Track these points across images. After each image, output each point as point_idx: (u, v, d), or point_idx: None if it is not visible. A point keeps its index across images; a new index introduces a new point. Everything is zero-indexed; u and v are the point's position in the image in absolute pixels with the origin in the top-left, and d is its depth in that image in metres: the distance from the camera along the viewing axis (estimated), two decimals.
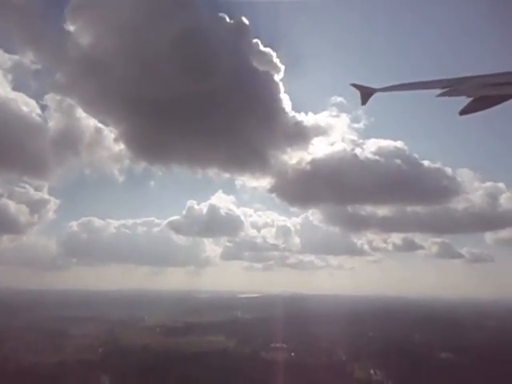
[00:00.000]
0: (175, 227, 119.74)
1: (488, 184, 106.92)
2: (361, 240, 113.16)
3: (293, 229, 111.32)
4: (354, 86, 5.45)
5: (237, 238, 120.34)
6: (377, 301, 57.26)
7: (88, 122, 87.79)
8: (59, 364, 20.18)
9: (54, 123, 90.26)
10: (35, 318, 32.83)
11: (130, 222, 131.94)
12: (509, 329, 34.30)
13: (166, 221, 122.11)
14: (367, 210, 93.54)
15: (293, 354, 25.22)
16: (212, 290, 76.00)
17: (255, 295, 74.92)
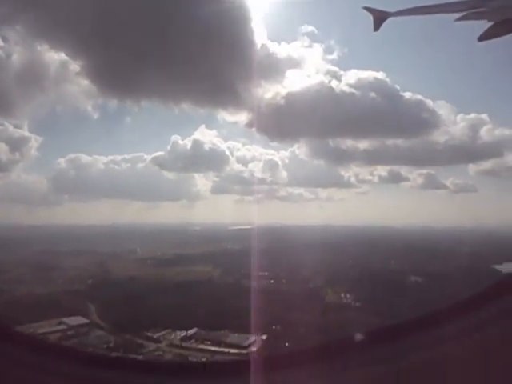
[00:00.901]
0: (160, 163, 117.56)
1: (472, 116, 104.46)
2: (348, 173, 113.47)
3: (279, 163, 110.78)
4: (367, 9, 5.07)
5: (223, 172, 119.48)
6: (363, 231, 59.28)
7: (52, 55, 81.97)
8: (48, 295, 21.44)
9: (15, 57, 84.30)
10: (27, 253, 33.88)
11: (118, 157, 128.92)
12: (482, 254, 35.93)
13: (151, 156, 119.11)
14: (348, 144, 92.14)
15: (272, 281, 26.73)
16: (204, 223, 77.45)
17: (247, 227, 76.27)
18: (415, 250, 40.02)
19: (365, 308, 19.75)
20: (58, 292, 21.82)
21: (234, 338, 15.06)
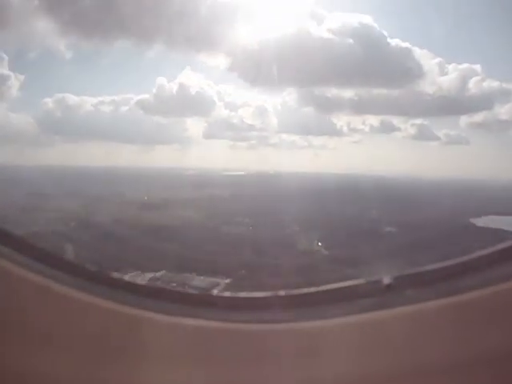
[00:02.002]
0: (145, 106, 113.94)
1: (465, 66, 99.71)
2: (340, 122, 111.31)
3: (269, 109, 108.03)
4: None
5: (211, 117, 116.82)
6: (354, 179, 59.42)
7: None
8: (26, 236, 21.98)
9: None
10: (13, 194, 34.12)
11: (107, 99, 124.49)
12: (467, 207, 36.21)
13: (137, 98, 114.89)
14: (333, 92, 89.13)
15: (251, 227, 27.35)
16: (197, 168, 77.49)
17: (240, 173, 76.37)
18: (400, 201, 40.48)
19: (331, 255, 20.47)
20: (37, 233, 22.38)
21: (199, 280, 15.76)
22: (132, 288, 1.54)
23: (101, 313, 1.37)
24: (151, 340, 1.39)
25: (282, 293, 1.50)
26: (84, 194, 40.74)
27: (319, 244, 22.51)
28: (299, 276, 16.28)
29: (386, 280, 1.49)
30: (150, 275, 17.00)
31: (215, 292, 15.54)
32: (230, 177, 73.96)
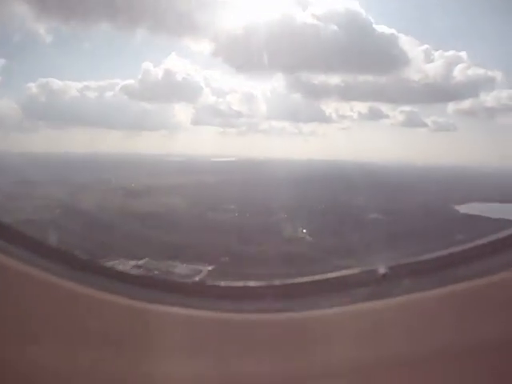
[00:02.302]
0: (130, 91, 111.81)
1: (451, 53, 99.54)
2: (329, 108, 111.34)
3: (257, 96, 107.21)
4: None
5: (197, 103, 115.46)
6: (344, 166, 59.38)
7: None
8: (12, 223, 21.73)
9: None
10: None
11: (93, 84, 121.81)
12: (449, 193, 36.59)
13: (122, 84, 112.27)
14: (319, 79, 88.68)
15: (237, 214, 27.38)
16: (186, 154, 76.70)
17: (231, 159, 75.99)
18: (387, 188, 40.76)
19: (314, 242, 20.66)
20: (21, 221, 22.10)
21: (181, 268, 15.79)
22: (124, 278, 1.55)
23: (95, 304, 1.37)
24: (146, 331, 1.40)
25: (275, 282, 1.51)
26: (69, 181, 40.25)
27: (304, 231, 22.65)
28: (281, 263, 16.40)
29: (382, 269, 1.47)
30: (132, 263, 16.95)
31: (205, 280, 15.63)
32: (220, 163, 73.56)
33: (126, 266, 17.56)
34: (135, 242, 20.10)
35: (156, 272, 16.29)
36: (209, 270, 15.59)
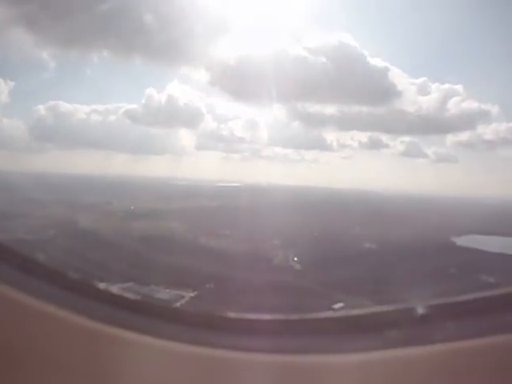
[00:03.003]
0: (133, 116, 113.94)
1: (446, 86, 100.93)
2: (330, 137, 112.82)
3: (259, 122, 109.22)
4: None
5: (199, 129, 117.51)
6: (344, 194, 59.53)
7: None
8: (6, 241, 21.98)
9: None
10: (6, 200, 34.13)
11: (100, 107, 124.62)
12: (448, 224, 36.21)
13: (125, 108, 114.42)
14: (315, 108, 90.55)
15: (230, 240, 27.35)
16: (191, 178, 77.63)
17: (235, 184, 76.43)
18: (386, 217, 40.51)
19: (302, 271, 20.45)
20: (12, 241, 22.37)
21: (164, 293, 15.69)
22: (118, 301, 1.41)
23: (87, 333, 1.25)
24: (138, 364, 1.27)
25: (290, 316, 1.29)
26: (71, 202, 40.75)
27: (295, 259, 22.48)
28: (265, 292, 16.24)
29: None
30: (117, 286, 16.92)
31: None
32: (224, 188, 74.13)
33: (109, 289, 17.52)
34: (125, 264, 20.13)
35: (138, 296, 16.25)
36: (191, 297, 15.50)
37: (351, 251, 24.46)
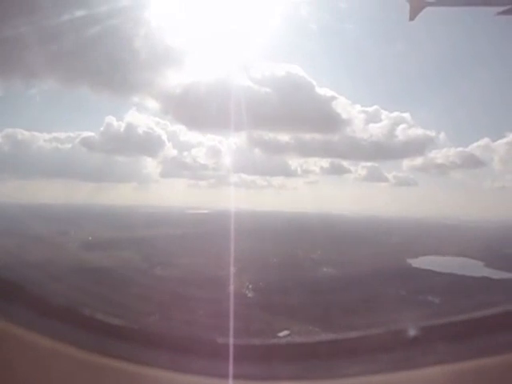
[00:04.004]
0: (90, 144, 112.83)
1: (395, 114, 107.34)
2: (294, 163, 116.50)
3: (222, 150, 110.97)
4: None
5: (160, 157, 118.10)
6: (310, 218, 59.89)
7: None
8: None
9: None
10: None
11: (62, 135, 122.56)
12: (409, 244, 36.72)
13: (81, 136, 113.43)
14: (270, 136, 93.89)
15: (185, 269, 26.80)
16: (159, 206, 76.59)
17: (204, 211, 76.03)
18: (348, 240, 40.94)
19: (253, 299, 20.15)
20: None
21: None
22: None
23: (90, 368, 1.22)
24: None
25: (282, 341, 1.27)
26: (27, 232, 39.16)
27: (249, 286, 22.16)
28: (213, 322, 15.80)
29: (412, 331, 1.18)
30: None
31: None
32: (192, 215, 73.39)
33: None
34: (66, 297, 19.26)
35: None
36: None
37: (307, 276, 24.38)
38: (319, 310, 17.87)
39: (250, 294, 21.12)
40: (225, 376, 1.17)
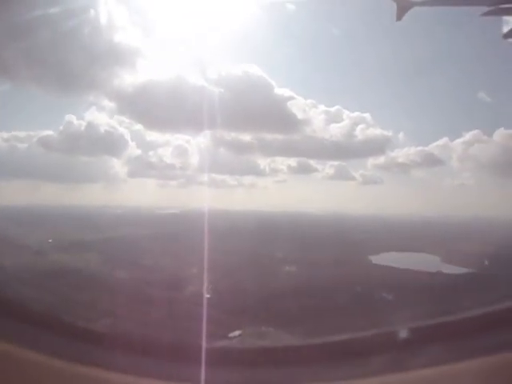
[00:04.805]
0: (49, 143, 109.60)
1: (356, 114, 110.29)
2: (262, 162, 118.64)
3: (189, 149, 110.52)
4: None
5: (127, 156, 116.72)
6: (279, 217, 60.25)
7: None
8: None
9: None
10: None
11: (22, 134, 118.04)
12: (373, 241, 37.35)
13: (39, 135, 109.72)
14: (232, 135, 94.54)
15: (144, 270, 26.47)
16: (128, 206, 75.01)
17: (174, 211, 75.00)
18: (315, 238, 41.44)
19: (212, 299, 20.12)
20: None
21: None
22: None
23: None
24: None
25: (274, 344, 1.34)
26: None
27: (208, 287, 22.05)
28: (166, 323, 15.69)
29: (403, 333, 1.18)
30: None
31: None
32: (162, 215, 72.35)
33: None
34: (19, 303, 18.65)
35: None
36: None
37: (268, 276, 24.53)
38: (274, 309, 18.03)
39: (207, 295, 21.02)
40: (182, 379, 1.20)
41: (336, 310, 16.74)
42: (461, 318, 1.25)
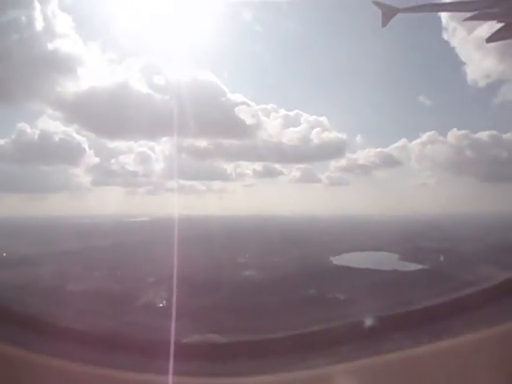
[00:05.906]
0: (1, 152, 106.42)
1: (313, 118, 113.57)
2: (229, 167, 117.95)
3: (152, 155, 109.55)
4: (376, 3, 4.53)
5: (86, 165, 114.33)
6: (247, 221, 60.15)
7: None
8: None
9: None
10: None
11: None
12: (335, 242, 37.64)
13: None
14: (188, 142, 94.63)
15: (100, 283, 25.71)
16: (94, 215, 73.18)
17: (143, 219, 73.75)
18: (278, 241, 41.41)
19: (165, 308, 19.67)
20: None
21: None
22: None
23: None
24: None
25: (247, 337, 1.41)
26: None
27: (163, 296, 21.57)
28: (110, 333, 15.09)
29: (368, 321, 1.26)
30: None
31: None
32: (130, 223, 70.77)
33: None
34: None
35: None
36: None
37: (226, 281, 24.21)
38: (225, 315, 17.76)
39: (160, 304, 20.56)
40: None
41: (286, 314, 16.66)
42: (416, 309, 1.37)
